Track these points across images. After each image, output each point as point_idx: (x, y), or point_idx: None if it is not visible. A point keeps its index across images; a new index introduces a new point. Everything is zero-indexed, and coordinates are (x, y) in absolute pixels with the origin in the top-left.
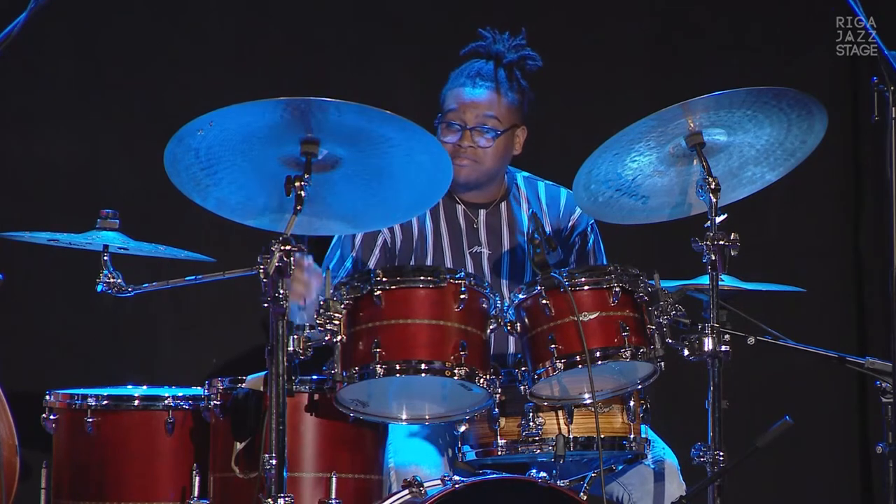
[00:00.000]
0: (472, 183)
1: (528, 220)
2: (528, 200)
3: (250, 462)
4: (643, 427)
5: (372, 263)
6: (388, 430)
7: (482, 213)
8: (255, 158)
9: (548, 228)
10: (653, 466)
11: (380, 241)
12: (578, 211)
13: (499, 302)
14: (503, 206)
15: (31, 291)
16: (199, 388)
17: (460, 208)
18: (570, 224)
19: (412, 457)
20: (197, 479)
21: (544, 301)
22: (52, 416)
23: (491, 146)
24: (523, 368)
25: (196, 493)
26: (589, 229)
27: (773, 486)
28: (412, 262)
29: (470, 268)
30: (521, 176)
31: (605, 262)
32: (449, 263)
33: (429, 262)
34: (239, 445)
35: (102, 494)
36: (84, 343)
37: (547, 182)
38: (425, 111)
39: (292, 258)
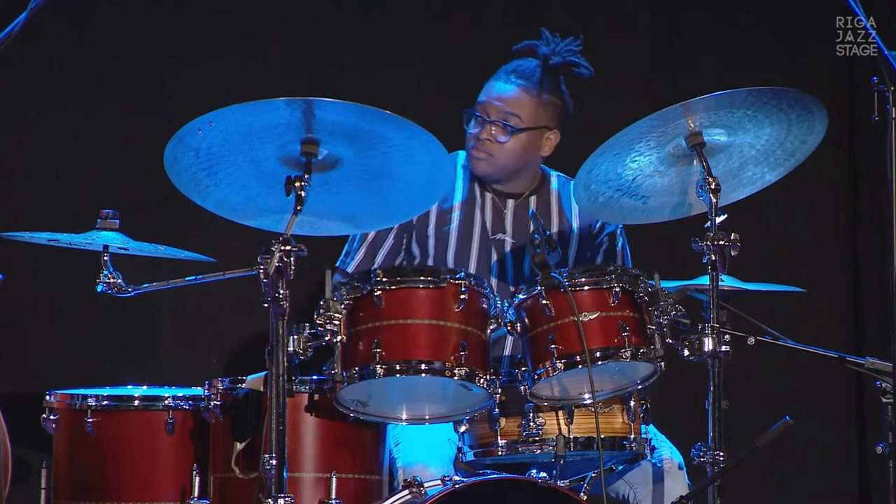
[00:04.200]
0: (489, 176)
1: (529, 220)
2: (559, 199)
3: (250, 462)
4: (643, 427)
5: (390, 244)
6: (391, 430)
7: (510, 202)
8: (256, 158)
9: (575, 226)
10: (658, 465)
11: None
12: None
13: (499, 302)
14: (533, 199)
15: (31, 291)
16: (199, 388)
17: (489, 195)
18: (599, 224)
19: (419, 456)
20: (197, 479)
21: (544, 301)
22: (52, 417)
23: (507, 141)
24: (523, 368)
25: (196, 494)
26: (618, 231)
27: (773, 486)
28: (435, 240)
29: (492, 253)
30: (555, 175)
31: (630, 266)
32: (475, 245)
33: (452, 242)
34: (239, 445)
35: (102, 494)
36: (84, 343)
37: None
38: (426, 111)
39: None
